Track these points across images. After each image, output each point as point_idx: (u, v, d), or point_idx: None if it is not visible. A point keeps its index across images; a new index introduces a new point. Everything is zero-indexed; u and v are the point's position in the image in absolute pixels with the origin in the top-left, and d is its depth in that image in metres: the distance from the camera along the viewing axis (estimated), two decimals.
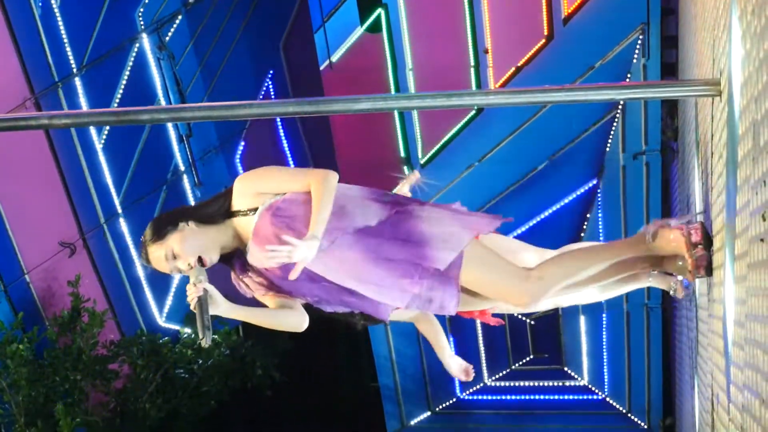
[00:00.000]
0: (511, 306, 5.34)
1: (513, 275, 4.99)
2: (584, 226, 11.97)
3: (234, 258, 4.97)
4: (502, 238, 6.14)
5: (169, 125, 12.99)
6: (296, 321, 5.00)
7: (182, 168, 13.33)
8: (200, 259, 4.74)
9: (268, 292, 4.98)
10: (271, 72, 14.40)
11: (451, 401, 13.71)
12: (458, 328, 12.70)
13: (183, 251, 4.73)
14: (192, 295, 4.63)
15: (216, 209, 4.85)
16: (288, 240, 4.60)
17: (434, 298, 4.90)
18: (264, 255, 4.73)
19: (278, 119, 14.36)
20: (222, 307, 4.74)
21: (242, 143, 14.29)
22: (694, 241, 4.79)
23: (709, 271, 4.90)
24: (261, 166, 4.89)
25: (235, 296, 4.93)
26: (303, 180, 4.78)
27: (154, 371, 12.16)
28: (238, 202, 4.83)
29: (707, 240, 4.78)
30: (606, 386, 13.04)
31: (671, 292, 6.05)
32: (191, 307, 4.64)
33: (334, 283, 4.87)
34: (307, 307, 5.13)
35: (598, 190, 11.73)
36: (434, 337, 6.56)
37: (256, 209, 4.78)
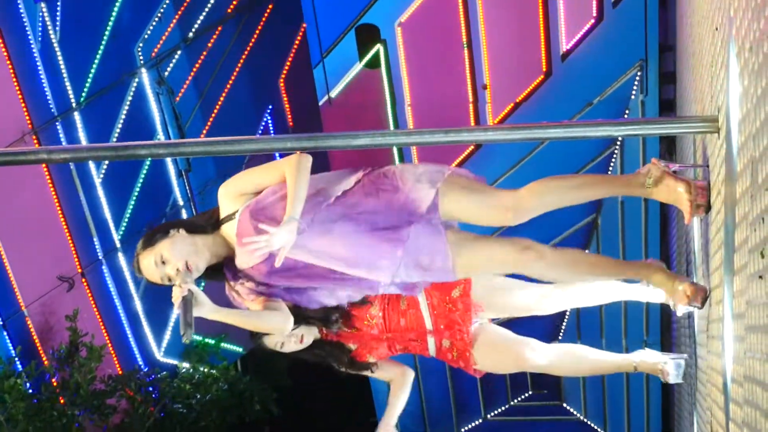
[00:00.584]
0: (498, 220, 5.25)
1: (494, 191, 5.15)
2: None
3: (225, 268, 5.03)
4: (502, 279, 6.22)
5: (168, 160, 12.99)
6: (279, 321, 5.07)
7: (181, 203, 13.33)
8: (187, 266, 4.77)
9: (258, 297, 5.04)
10: (270, 107, 14.42)
11: None
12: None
13: (171, 256, 4.80)
14: (176, 295, 4.70)
15: (206, 219, 4.96)
16: (264, 228, 4.64)
17: (423, 260, 4.94)
18: (246, 250, 4.78)
19: (277, 154, 14.37)
20: (206, 308, 4.79)
21: None
22: (699, 202, 4.70)
23: (704, 302, 4.90)
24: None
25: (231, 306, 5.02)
26: (278, 169, 4.87)
27: (152, 406, 12.12)
28: (223, 209, 4.92)
29: (708, 205, 4.71)
30: (605, 423, 13.00)
31: (671, 306, 6.05)
32: (175, 307, 4.70)
33: (320, 269, 4.89)
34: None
35: (597, 226, 11.73)
36: (394, 400, 6.72)
37: (235, 213, 4.83)
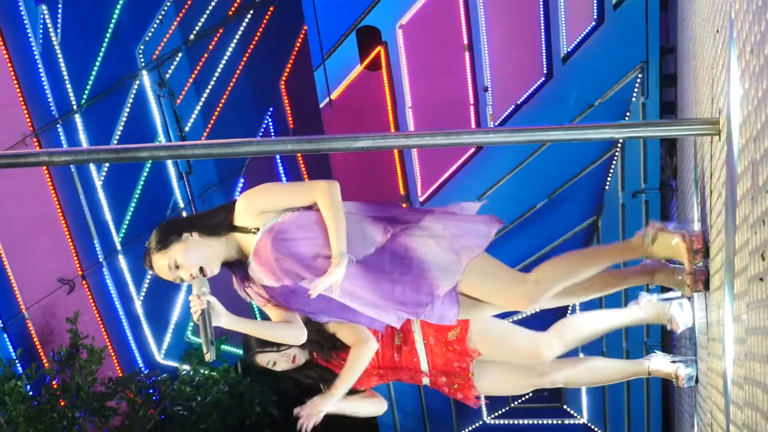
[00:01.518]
0: (511, 307, 5.34)
1: (510, 280, 5.11)
2: None
3: (235, 267, 5.04)
4: (499, 324, 6.22)
5: (169, 162, 12.99)
6: (294, 335, 5.16)
7: (182, 205, 13.32)
8: (201, 270, 4.81)
9: (267, 302, 5.07)
10: (271, 109, 14.42)
11: None
12: None
13: (186, 262, 4.80)
14: (196, 308, 4.72)
15: (219, 222, 4.92)
16: (327, 274, 4.63)
17: (434, 311, 5.02)
18: (262, 269, 4.79)
19: (278, 157, 14.37)
20: (223, 319, 4.85)
21: (242, 180, 14.29)
22: (695, 248, 4.80)
23: (706, 285, 4.91)
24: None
25: (237, 301, 5.01)
26: (305, 194, 4.86)
27: (153, 408, 12.12)
28: (240, 219, 4.88)
29: (706, 250, 4.80)
30: (605, 425, 12.99)
31: (668, 327, 6.06)
32: (195, 319, 4.73)
33: (334, 303, 4.95)
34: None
35: (598, 228, 11.73)
36: (362, 399, 6.61)
37: (257, 229, 4.82)
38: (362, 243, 4.85)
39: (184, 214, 13.35)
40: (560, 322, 6.25)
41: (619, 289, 5.60)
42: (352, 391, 6.35)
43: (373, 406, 6.58)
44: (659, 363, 6.30)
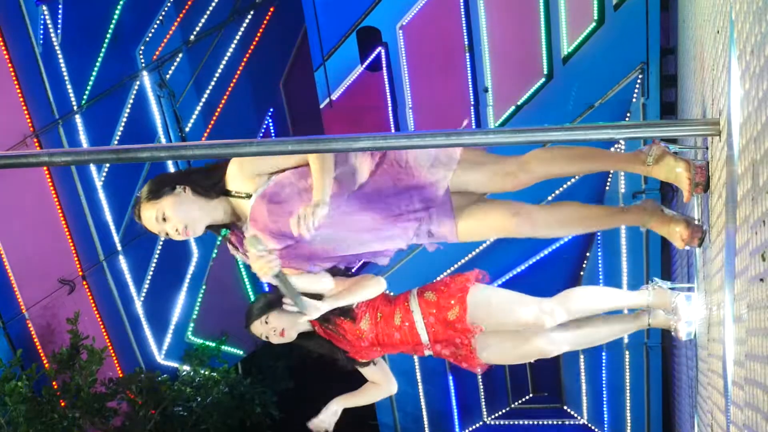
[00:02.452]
0: (501, 186, 5.32)
1: (497, 159, 5.19)
2: (583, 265, 11.97)
3: (231, 233, 5.12)
4: (500, 295, 6.19)
5: (169, 163, 12.98)
6: (373, 288, 5.53)
7: None
8: (185, 228, 4.86)
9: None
10: (271, 110, 14.42)
11: None
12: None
13: (174, 215, 4.86)
14: (265, 270, 4.72)
15: (212, 184, 4.95)
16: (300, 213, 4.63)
17: (432, 229, 5.14)
18: (274, 240, 4.89)
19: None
20: (312, 312, 5.25)
21: None
22: (697, 180, 4.74)
23: (700, 243, 4.91)
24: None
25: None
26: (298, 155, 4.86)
27: (153, 409, 12.12)
28: (232, 183, 4.93)
29: (707, 184, 4.75)
30: (606, 425, 12.98)
31: (672, 332, 6.03)
32: (266, 280, 4.78)
33: (333, 252, 5.07)
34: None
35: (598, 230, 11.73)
36: (364, 391, 6.65)
37: (249, 195, 4.86)
38: (353, 175, 4.91)
39: None
40: (566, 291, 6.21)
41: (614, 225, 5.56)
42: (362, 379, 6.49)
43: (379, 394, 6.65)
44: (659, 317, 6.26)
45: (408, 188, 4.99)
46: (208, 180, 4.95)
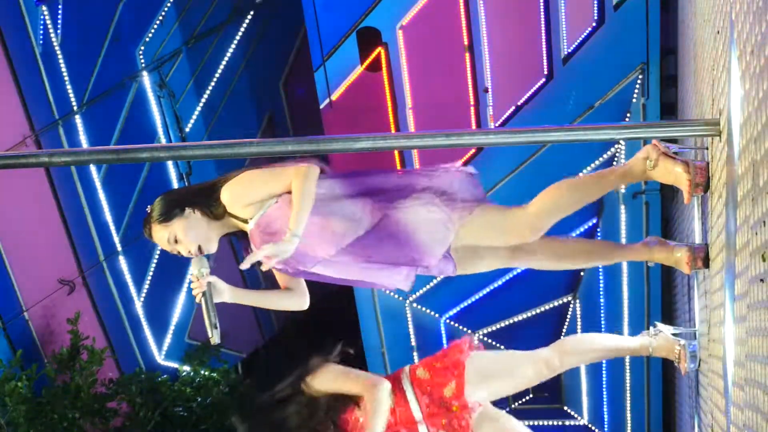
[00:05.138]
0: (516, 240, 5.28)
1: (508, 216, 5.14)
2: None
3: (239, 243, 5.17)
4: (495, 364, 6.16)
5: (169, 163, 12.99)
6: (297, 302, 5.24)
7: None
8: (199, 248, 4.90)
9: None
10: (271, 110, 14.42)
11: None
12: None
13: (185, 238, 4.91)
14: (197, 290, 4.84)
15: (215, 208, 4.99)
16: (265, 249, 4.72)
17: (432, 268, 5.12)
18: (273, 264, 4.89)
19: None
20: (226, 294, 4.97)
21: None
22: (697, 181, 4.72)
23: (706, 263, 4.90)
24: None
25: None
26: (284, 180, 4.90)
27: (153, 409, 12.11)
28: (231, 208, 4.97)
29: (707, 184, 4.72)
30: (606, 426, 12.98)
31: (675, 363, 5.95)
32: (197, 301, 4.84)
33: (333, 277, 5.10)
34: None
35: (598, 229, 11.72)
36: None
37: (248, 220, 4.93)
38: (352, 229, 4.92)
39: None
40: (562, 340, 6.18)
41: (619, 260, 5.57)
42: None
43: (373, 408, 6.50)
44: (661, 350, 6.22)
45: (407, 241, 5.01)
46: (212, 201, 4.98)
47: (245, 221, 4.94)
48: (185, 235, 4.89)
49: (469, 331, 12.51)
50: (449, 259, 5.09)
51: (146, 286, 13.00)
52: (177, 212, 4.92)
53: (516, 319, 12.49)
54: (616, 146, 11.18)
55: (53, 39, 11.71)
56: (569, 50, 11.08)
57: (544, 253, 5.31)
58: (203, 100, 13.61)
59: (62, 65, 11.80)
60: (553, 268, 5.55)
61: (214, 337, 4.79)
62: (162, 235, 4.92)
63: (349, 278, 5.10)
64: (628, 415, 12.72)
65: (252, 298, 5.24)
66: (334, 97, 12.21)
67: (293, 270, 5.00)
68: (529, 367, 6.00)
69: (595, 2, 10.81)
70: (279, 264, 4.89)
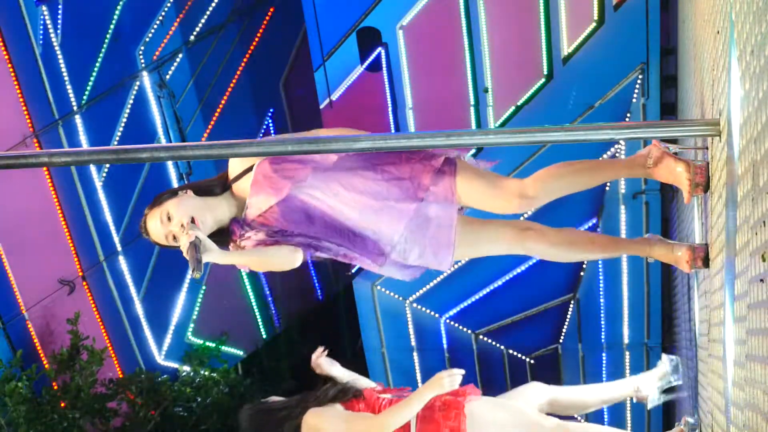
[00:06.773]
0: (504, 207, 5.32)
1: (499, 177, 5.29)
2: (584, 264, 11.97)
3: (231, 225, 5.13)
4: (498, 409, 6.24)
5: (169, 163, 12.98)
6: (287, 254, 5.10)
7: None
8: (192, 220, 4.88)
9: (264, 244, 5.12)
10: (271, 110, 14.41)
11: None
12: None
13: (177, 212, 4.91)
14: (184, 242, 4.76)
15: (214, 183, 5.10)
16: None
17: (431, 214, 5.15)
18: (263, 193, 4.96)
19: None
20: (214, 254, 4.85)
21: None
22: (697, 181, 4.74)
23: (706, 263, 4.91)
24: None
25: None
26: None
27: (153, 409, 12.11)
28: (234, 171, 5.08)
29: (707, 184, 4.75)
30: (606, 426, 12.98)
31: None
32: (184, 253, 4.75)
33: (336, 223, 5.07)
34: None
35: (598, 229, 11.72)
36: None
37: (251, 168, 4.99)
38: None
39: None
40: (556, 389, 6.34)
41: (619, 254, 5.62)
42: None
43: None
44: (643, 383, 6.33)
45: (411, 173, 5.09)
46: (208, 181, 5.06)
47: (248, 170, 4.99)
48: (177, 208, 4.91)
49: (469, 331, 12.52)
50: (449, 192, 5.14)
51: (146, 286, 12.99)
52: (168, 195, 5.02)
53: (516, 319, 12.49)
54: (616, 146, 11.18)
55: (53, 39, 11.70)
56: (569, 50, 11.09)
57: (555, 235, 5.33)
58: (203, 99, 13.60)
59: (62, 65, 11.79)
60: (558, 257, 5.55)
61: (197, 270, 4.70)
62: (155, 219, 4.94)
63: (342, 215, 5.08)
64: (628, 415, 12.72)
65: (240, 256, 5.10)
66: (334, 97, 12.22)
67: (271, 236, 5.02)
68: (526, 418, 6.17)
69: (595, 2, 10.81)
70: (281, 196, 4.93)
